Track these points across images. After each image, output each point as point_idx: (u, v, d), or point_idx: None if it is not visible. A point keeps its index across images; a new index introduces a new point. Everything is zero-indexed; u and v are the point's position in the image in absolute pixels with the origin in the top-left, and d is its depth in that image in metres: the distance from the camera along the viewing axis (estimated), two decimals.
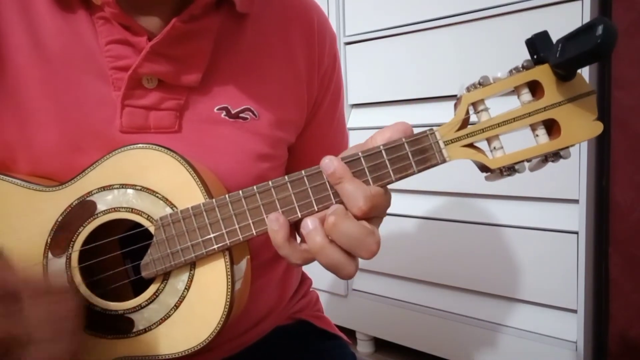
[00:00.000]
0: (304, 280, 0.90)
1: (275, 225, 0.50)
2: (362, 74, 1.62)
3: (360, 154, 0.51)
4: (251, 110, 0.66)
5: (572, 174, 1.23)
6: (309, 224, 0.50)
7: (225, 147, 0.64)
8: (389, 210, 0.54)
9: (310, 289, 0.91)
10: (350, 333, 1.77)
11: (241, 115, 0.66)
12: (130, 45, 0.60)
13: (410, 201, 1.53)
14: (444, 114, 1.42)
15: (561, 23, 1.20)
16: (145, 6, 0.61)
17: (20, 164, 0.59)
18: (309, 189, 0.51)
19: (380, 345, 1.79)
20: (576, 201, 1.24)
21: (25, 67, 0.58)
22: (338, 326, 0.88)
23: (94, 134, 0.59)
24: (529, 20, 1.26)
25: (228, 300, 0.52)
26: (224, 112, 0.65)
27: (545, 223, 1.31)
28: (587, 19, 1.16)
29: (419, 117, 1.49)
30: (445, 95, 1.44)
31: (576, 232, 1.25)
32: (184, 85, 0.62)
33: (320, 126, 0.79)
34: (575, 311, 1.28)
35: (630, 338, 1.34)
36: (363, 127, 1.60)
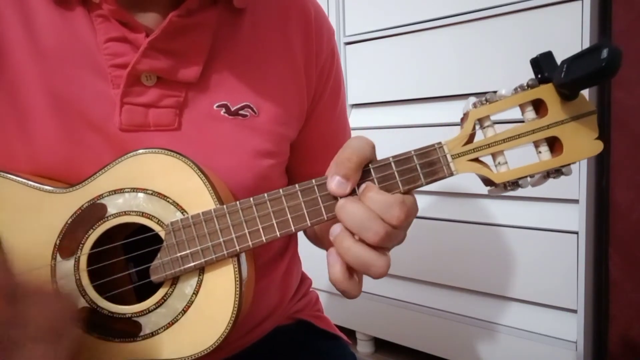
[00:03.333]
0: (304, 280, 0.90)
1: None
2: (362, 74, 1.62)
3: (370, 165, 0.52)
4: (250, 107, 0.66)
5: (572, 174, 1.22)
6: (336, 227, 0.51)
7: (225, 144, 0.64)
8: None
9: (310, 289, 0.91)
10: (350, 333, 1.77)
11: (240, 112, 0.65)
12: (128, 42, 0.60)
13: None
14: (443, 114, 1.42)
15: (561, 23, 1.20)
16: (143, 2, 0.61)
17: (19, 161, 0.58)
18: (319, 197, 0.52)
19: (380, 345, 1.80)
20: (576, 201, 1.24)
21: (22, 63, 0.58)
22: (338, 326, 0.88)
23: (92, 131, 0.59)
24: (529, 20, 1.26)
25: (236, 306, 0.52)
26: (224, 109, 0.65)
27: (545, 223, 1.31)
28: (587, 19, 1.17)
29: (418, 117, 1.50)
30: (445, 95, 1.44)
31: (576, 232, 1.25)
32: (183, 81, 0.62)
33: (320, 121, 0.78)
34: (575, 311, 1.28)
35: (631, 338, 1.34)
36: (363, 127, 1.60)
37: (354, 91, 1.65)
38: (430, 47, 1.46)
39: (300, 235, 0.87)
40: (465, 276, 1.48)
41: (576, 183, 1.23)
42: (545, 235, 1.31)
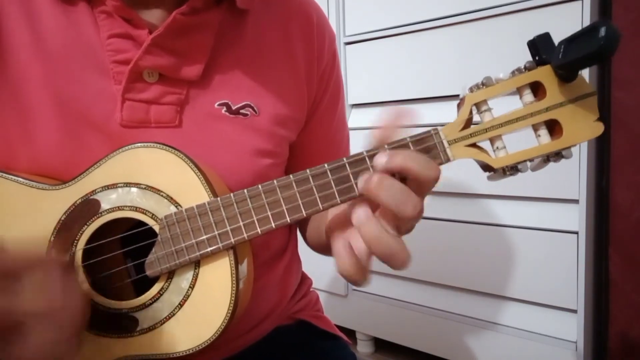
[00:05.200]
0: (304, 280, 0.90)
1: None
2: (362, 74, 1.62)
3: (364, 152, 0.51)
4: (251, 106, 0.66)
5: (572, 174, 1.23)
6: (361, 213, 0.49)
7: (225, 143, 0.65)
8: None
9: (311, 289, 0.91)
10: (350, 333, 1.77)
11: (241, 111, 0.66)
12: (131, 38, 0.60)
13: None
14: (443, 114, 1.42)
15: (561, 23, 1.20)
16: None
17: (20, 160, 0.58)
18: (314, 187, 0.51)
19: (380, 345, 1.79)
20: (576, 201, 1.24)
21: (26, 62, 0.58)
22: (338, 326, 0.88)
23: (94, 129, 0.59)
24: (529, 20, 1.26)
25: (232, 299, 0.52)
26: (225, 108, 0.65)
27: (545, 223, 1.31)
28: (587, 19, 1.17)
29: (418, 117, 1.49)
30: (445, 95, 1.44)
31: (576, 232, 1.25)
32: (185, 79, 0.62)
33: (320, 124, 0.79)
34: (575, 311, 1.28)
35: (631, 338, 1.34)
36: (363, 127, 1.60)
37: (354, 91, 1.65)
38: (430, 47, 1.45)
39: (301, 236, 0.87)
40: (465, 276, 1.47)
41: (576, 183, 1.23)
42: (545, 235, 1.30)
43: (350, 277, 0.50)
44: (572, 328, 1.29)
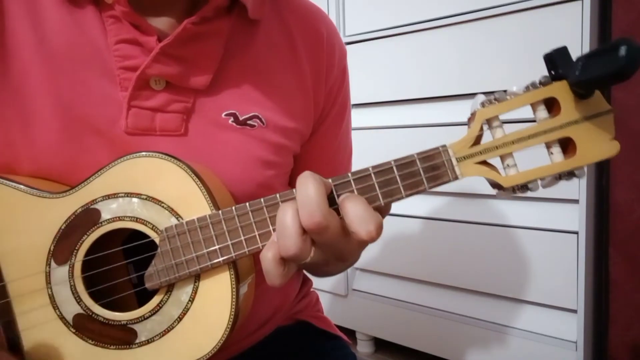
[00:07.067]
0: (305, 281, 0.89)
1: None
2: (362, 74, 1.61)
3: (370, 169, 0.50)
4: (259, 117, 0.66)
5: None
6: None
7: (231, 153, 0.64)
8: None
9: (311, 290, 0.91)
10: (350, 333, 1.77)
11: (249, 122, 0.65)
12: (139, 45, 0.59)
13: (410, 201, 1.52)
14: (443, 114, 1.42)
15: (561, 23, 1.20)
16: (157, 6, 0.61)
17: (23, 163, 0.58)
18: None
19: (380, 345, 1.80)
20: (576, 201, 1.24)
21: (29, 63, 0.57)
22: (338, 326, 0.88)
23: (97, 134, 0.58)
24: (529, 20, 1.25)
25: (232, 312, 0.52)
26: (232, 118, 0.64)
27: (545, 223, 1.31)
28: (587, 19, 1.16)
29: (419, 117, 1.49)
30: (445, 95, 1.44)
31: (576, 232, 1.25)
32: (193, 88, 0.61)
33: (324, 139, 0.78)
34: (575, 311, 1.28)
35: (631, 338, 1.34)
36: (363, 127, 1.60)
37: (354, 91, 1.63)
38: (430, 47, 1.45)
39: None
40: (464, 276, 1.47)
41: (576, 183, 1.23)
42: (545, 235, 1.31)
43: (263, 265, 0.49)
44: (572, 328, 1.29)
